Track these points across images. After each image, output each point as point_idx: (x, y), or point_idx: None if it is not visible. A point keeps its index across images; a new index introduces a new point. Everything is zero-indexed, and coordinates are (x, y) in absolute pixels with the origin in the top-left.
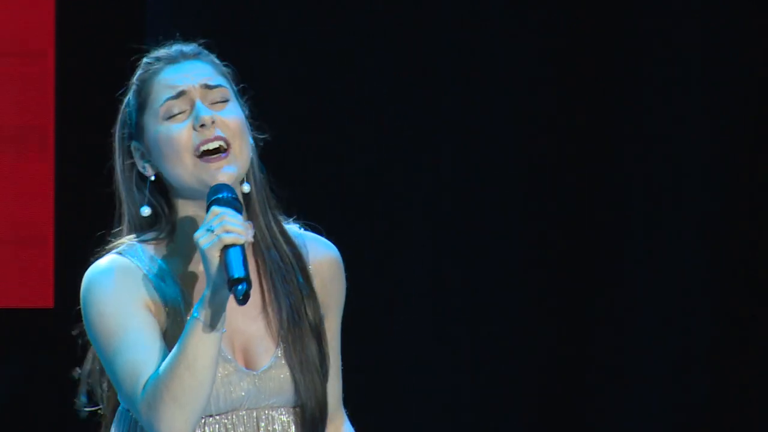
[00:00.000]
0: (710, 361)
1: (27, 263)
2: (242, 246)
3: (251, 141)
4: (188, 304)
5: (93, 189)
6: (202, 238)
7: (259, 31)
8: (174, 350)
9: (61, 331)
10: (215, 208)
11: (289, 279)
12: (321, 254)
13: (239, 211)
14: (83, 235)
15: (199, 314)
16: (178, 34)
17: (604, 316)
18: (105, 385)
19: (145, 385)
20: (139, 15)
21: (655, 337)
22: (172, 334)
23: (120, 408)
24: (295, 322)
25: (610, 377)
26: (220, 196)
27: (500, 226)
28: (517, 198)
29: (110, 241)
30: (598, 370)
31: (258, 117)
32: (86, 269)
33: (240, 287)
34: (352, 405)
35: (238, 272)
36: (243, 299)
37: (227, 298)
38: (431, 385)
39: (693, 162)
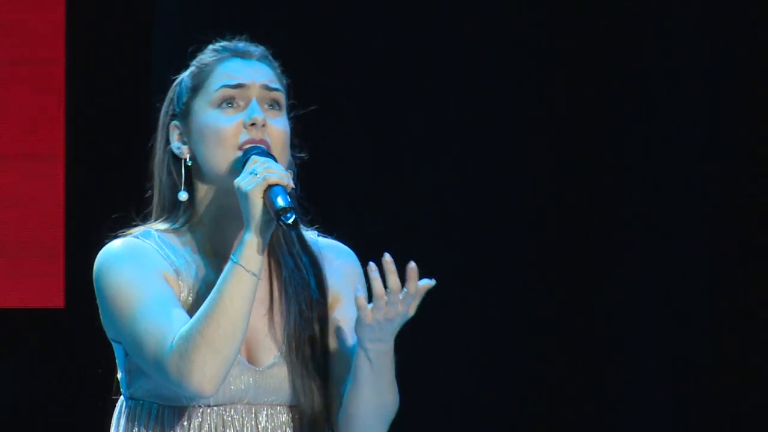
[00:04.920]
0: (711, 361)
1: (38, 262)
2: (285, 188)
3: (290, 156)
4: (203, 293)
5: (105, 186)
6: (244, 181)
7: (267, 38)
8: (210, 296)
9: (72, 330)
10: (256, 157)
11: (302, 286)
12: (338, 258)
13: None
14: (95, 234)
15: (239, 259)
16: (245, 34)
17: (605, 315)
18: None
19: (174, 339)
20: (147, 18)
21: (655, 338)
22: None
23: (121, 398)
24: (301, 329)
25: (610, 377)
26: (259, 149)
27: (502, 225)
28: (520, 197)
29: (129, 226)
30: (599, 370)
31: (300, 135)
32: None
33: (288, 214)
34: None
35: (285, 203)
36: (293, 225)
37: (267, 241)
38: (431, 384)
39: (694, 163)
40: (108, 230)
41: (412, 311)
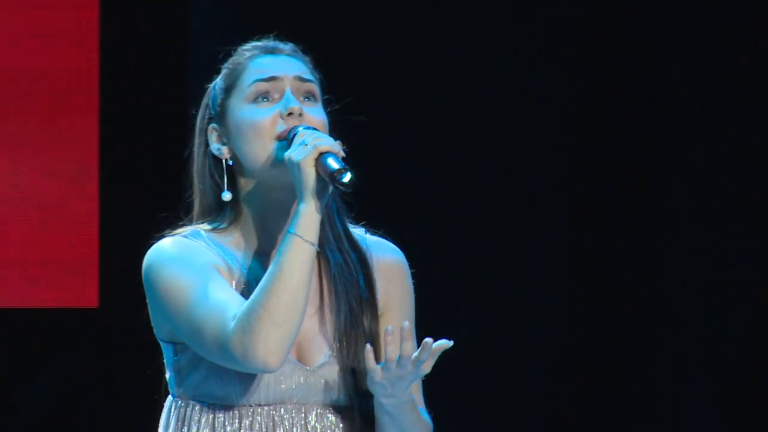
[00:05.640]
0: (752, 366)
1: (72, 263)
2: (335, 155)
3: None
4: (254, 290)
5: (139, 188)
6: (294, 152)
7: (300, 42)
8: (269, 269)
9: (106, 330)
10: (303, 130)
11: (351, 283)
12: (384, 256)
13: None
14: (128, 234)
15: (295, 229)
16: (275, 33)
17: (637, 321)
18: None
19: (236, 316)
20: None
21: (694, 345)
22: None
23: (170, 398)
24: (352, 326)
25: (645, 380)
26: (303, 125)
27: (538, 230)
28: (555, 204)
29: (174, 227)
30: (632, 371)
31: (337, 131)
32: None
33: (344, 174)
34: None
35: (340, 164)
36: (349, 184)
37: (322, 211)
38: (459, 387)
39: (733, 167)
40: (153, 230)
41: (427, 369)
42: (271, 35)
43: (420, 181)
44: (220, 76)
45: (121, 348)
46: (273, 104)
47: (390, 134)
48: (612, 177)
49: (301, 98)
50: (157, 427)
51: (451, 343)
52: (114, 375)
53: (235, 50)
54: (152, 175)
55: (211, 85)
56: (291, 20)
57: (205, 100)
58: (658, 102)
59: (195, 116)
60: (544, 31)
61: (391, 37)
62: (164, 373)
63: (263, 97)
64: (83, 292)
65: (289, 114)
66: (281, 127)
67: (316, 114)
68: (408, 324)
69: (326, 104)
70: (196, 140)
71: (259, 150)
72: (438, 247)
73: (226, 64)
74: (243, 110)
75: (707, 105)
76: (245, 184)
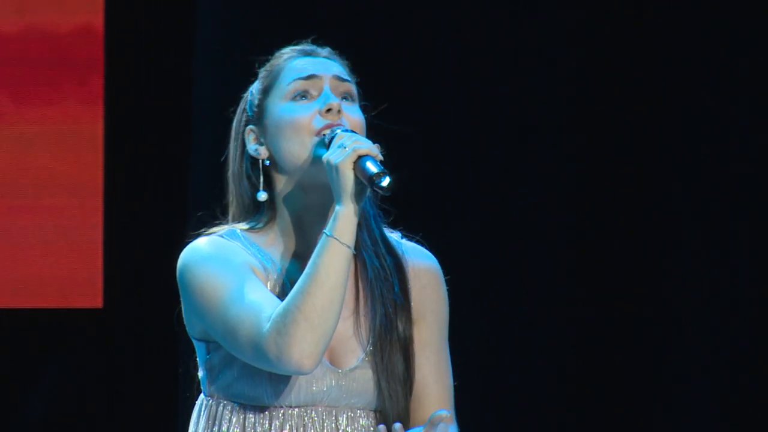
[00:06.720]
0: (749, 366)
1: (76, 263)
2: (374, 158)
3: None
4: (288, 291)
5: (143, 187)
6: (333, 155)
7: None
8: (305, 271)
9: (110, 330)
10: (342, 132)
11: (386, 288)
12: (420, 262)
13: None
14: (133, 234)
15: (332, 232)
16: (312, 38)
17: (645, 323)
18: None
19: (270, 318)
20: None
21: (694, 345)
22: None
23: (201, 396)
24: (387, 330)
25: (650, 384)
26: (343, 127)
27: (538, 230)
28: (556, 204)
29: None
30: (638, 377)
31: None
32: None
33: (383, 178)
34: None
35: (378, 168)
36: (388, 188)
37: (359, 214)
38: (459, 387)
39: (733, 167)
40: (193, 229)
41: None
42: (309, 39)
43: (420, 181)
44: (256, 81)
45: (125, 348)
46: (311, 101)
47: (390, 134)
48: (612, 177)
49: (339, 97)
50: (158, 428)
51: (450, 413)
52: (117, 376)
53: (271, 55)
54: (157, 175)
55: (248, 91)
56: (292, 20)
57: (241, 106)
58: (658, 102)
59: (230, 123)
60: (544, 31)
61: (391, 37)
62: (196, 371)
63: (302, 95)
64: (87, 293)
65: (328, 110)
66: (320, 123)
67: (354, 113)
68: (400, 425)
69: (363, 110)
70: (232, 145)
71: (298, 147)
72: (438, 247)
73: (262, 68)
74: (282, 108)
75: (707, 105)
76: (282, 185)
